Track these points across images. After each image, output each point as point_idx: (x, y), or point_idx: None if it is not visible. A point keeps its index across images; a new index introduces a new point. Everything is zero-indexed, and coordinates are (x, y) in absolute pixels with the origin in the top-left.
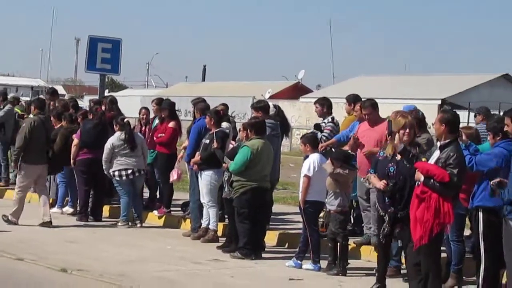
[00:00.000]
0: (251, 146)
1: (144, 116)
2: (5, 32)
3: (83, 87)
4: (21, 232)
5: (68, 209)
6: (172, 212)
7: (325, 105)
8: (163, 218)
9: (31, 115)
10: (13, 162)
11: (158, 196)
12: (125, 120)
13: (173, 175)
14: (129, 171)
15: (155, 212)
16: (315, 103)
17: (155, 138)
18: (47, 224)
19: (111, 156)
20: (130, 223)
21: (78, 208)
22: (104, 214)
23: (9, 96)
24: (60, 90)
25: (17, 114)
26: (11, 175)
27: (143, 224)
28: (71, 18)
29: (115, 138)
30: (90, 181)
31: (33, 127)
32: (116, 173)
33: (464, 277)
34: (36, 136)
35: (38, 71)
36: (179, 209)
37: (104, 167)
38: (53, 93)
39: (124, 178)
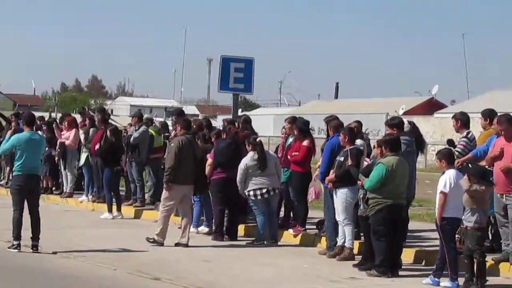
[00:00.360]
0: (386, 163)
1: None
2: (138, 54)
3: (216, 107)
4: (158, 252)
5: (203, 228)
6: (307, 231)
7: (459, 120)
8: (298, 237)
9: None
10: (165, 183)
11: (292, 214)
12: (257, 139)
13: (311, 195)
14: (264, 190)
15: (291, 230)
16: (452, 118)
17: (289, 157)
18: (183, 245)
19: (246, 177)
20: (265, 242)
21: (213, 228)
22: (239, 233)
23: (144, 117)
24: (194, 110)
25: (163, 135)
26: (146, 196)
27: (279, 243)
28: (203, 38)
29: (248, 158)
30: (225, 200)
31: (181, 147)
32: (251, 192)
33: None
34: (184, 156)
35: (172, 92)
36: (315, 227)
37: (239, 188)
38: (179, 113)
39: (259, 197)
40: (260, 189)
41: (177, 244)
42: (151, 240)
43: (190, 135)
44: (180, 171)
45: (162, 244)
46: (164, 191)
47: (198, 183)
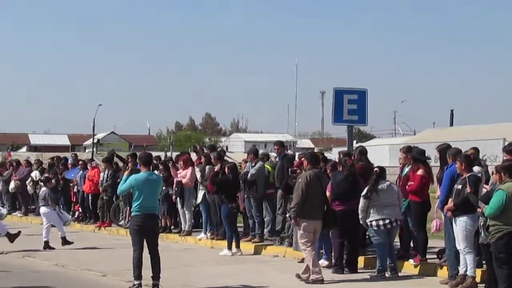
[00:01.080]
0: (506, 189)
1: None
2: (251, 90)
3: (330, 139)
4: (278, 286)
5: (323, 261)
6: (428, 260)
7: None
8: (419, 267)
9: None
10: (292, 219)
11: (412, 244)
12: (374, 170)
13: (433, 226)
14: (387, 221)
15: (411, 261)
16: None
17: (406, 187)
18: (303, 280)
19: (367, 206)
20: (387, 273)
21: (333, 261)
22: (359, 265)
23: (259, 152)
24: (308, 143)
25: (290, 169)
26: (265, 231)
27: (399, 274)
28: (314, 71)
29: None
30: (344, 232)
31: (308, 182)
32: (374, 223)
33: None
34: (312, 191)
35: (286, 126)
36: (435, 256)
37: (360, 217)
38: (281, 144)
39: (382, 228)
40: (383, 219)
41: (297, 276)
42: (311, 281)
43: (318, 169)
44: (308, 207)
45: (321, 280)
46: (298, 228)
47: (329, 218)
